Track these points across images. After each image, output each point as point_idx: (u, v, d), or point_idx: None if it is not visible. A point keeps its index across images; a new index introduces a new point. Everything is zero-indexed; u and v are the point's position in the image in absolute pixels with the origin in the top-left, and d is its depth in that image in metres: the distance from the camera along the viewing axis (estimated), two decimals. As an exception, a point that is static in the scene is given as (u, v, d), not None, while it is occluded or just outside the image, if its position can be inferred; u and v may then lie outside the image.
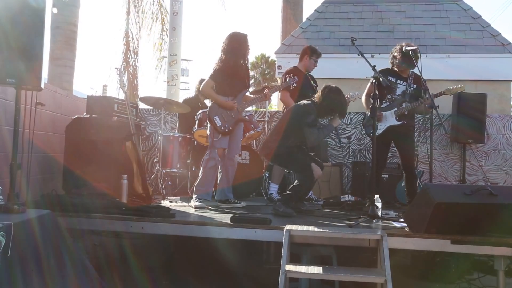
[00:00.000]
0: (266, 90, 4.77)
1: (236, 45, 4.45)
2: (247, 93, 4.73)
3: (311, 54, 5.07)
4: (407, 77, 4.57)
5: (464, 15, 7.88)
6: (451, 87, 4.53)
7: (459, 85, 4.56)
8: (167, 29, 11.75)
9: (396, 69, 4.59)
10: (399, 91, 4.55)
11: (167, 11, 11.85)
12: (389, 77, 4.50)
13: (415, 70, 4.54)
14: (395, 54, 4.54)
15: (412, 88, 4.53)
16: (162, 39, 12.25)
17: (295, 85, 4.87)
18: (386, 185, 5.20)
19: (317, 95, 4.13)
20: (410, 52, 4.29)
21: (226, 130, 4.43)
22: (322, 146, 5.80)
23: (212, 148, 4.48)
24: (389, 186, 5.19)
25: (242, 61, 4.53)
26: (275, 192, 5.06)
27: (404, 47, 4.43)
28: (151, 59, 12.35)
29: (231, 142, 4.54)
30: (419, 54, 4.34)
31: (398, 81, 4.56)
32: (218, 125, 4.40)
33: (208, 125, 4.54)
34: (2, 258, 2.30)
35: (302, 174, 4.05)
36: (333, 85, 4.15)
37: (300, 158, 4.11)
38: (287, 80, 4.88)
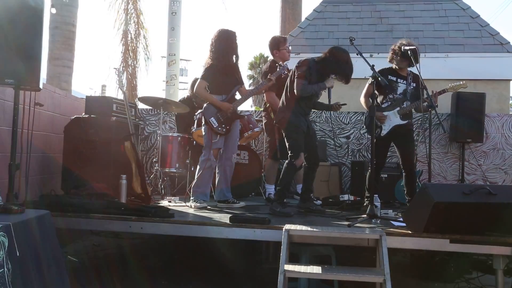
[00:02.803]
0: (269, 75, 4.62)
1: (225, 42, 4.41)
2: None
3: (279, 44, 5.02)
4: (407, 75, 4.56)
5: (463, 14, 7.89)
6: (453, 84, 4.54)
7: (461, 82, 4.57)
8: (139, 32, 11.73)
9: (395, 68, 4.57)
10: (400, 90, 4.52)
11: (141, 11, 11.86)
12: (389, 76, 4.48)
13: (413, 69, 4.54)
14: (394, 53, 4.52)
15: (412, 87, 4.52)
16: (137, 41, 12.16)
17: (286, 72, 4.70)
18: (385, 184, 5.19)
19: (325, 52, 4.11)
20: (409, 52, 4.27)
21: (224, 130, 4.41)
22: (320, 145, 5.81)
23: (208, 149, 4.44)
24: (388, 186, 5.18)
25: (231, 59, 4.49)
26: (273, 191, 5.06)
27: (403, 47, 4.41)
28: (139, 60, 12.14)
29: (228, 142, 4.52)
30: (418, 54, 4.33)
31: (399, 80, 4.53)
32: (214, 126, 4.37)
33: (203, 126, 4.50)
34: (11, 258, 2.30)
35: (290, 151, 4.05)
36: (342, 47, 4.17)
37: (298, 139, 4.08)
38: (278, 69, 4.70)
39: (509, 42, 7.28)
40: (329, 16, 8.31)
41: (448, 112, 6.04)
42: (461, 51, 7.29)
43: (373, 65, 3.96)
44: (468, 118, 5.73)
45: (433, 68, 6.46)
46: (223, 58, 4.40)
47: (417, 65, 4.22)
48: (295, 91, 4.04)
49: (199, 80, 4.46)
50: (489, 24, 7.61)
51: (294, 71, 4.13)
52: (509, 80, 7.27)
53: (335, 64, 4.01)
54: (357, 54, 3.89)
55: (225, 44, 4.41)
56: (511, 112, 9.34)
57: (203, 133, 4.55)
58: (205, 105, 4.53)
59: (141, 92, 13.11)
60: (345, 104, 4.36)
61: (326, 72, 4.08)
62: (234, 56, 4.52)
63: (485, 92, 5.97)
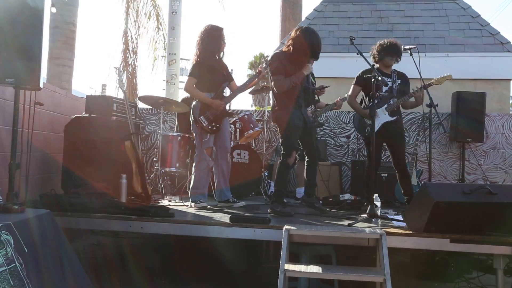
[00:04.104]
0: (259, 68, 4.50)
1: (209, 39, 4.36)
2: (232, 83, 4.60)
3: None
4: (391, 73, 4.57)
5: (463, 14, 7.89)
6: (439, 77, 4.55)
7: (446, 74, 4.57)
8: (159, 28, 11.70)
9: (377, 66, 4.58)
10: (385, 88, 4.54)
11: (160, 9, 11.84)
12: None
13: (397, 67, 4.57)
14: (375, 51, 4.54)
15: (397, 84, 4.55)
16: (158, 38, 12.18)
17: None
18: (385, 184, 5.20)
19: (288, 39, 4.07)
20: (403, 48, 4.35)
21: (214, 128, 4.36)
22: (321, 145, 5.80)
23: (201, 148, 4.39)
24: (388, 185, 5.18)
25: (217, 55, 4.44)
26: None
27: (384, 44, 4.47)
28: (146, 59, 12.24)
29: (219, 140, 4.47)
30: (407, 51, 4.36)
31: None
32: (205, 125, 4.33)
33: (193, 125, 4.46)
34: (21, 254, 2.31)
35: (283, 149, 4.05)
36: (304, 26, 4.13)
37: (291, 138, 4.06)
38: None
39: (509, 42, 7.27)
40: (330, 15, 8.31)
41: (448, 112, 6.04)
42: (461, 51, 7.30)
43: (373, 65, 3.97)
44: (468, 118, 5.74)
45: (433, 67, 6.43)
46: (207, 55, 4.36)
47: (417, 64, 4.23)
48: (274, 89, 4.02)
49: (187, 77, 4.41)
50: (489, 24, 7.61)
51: (268, 70, 4.08)
52: (510, 79, 7.27)
53: (302, 49, 3.97)
54: (358, 54, 3.89)
55: (209, 41, 4.36)
56: (511, 112, 9.34)
57: (194, 133, 4.52)
58: (194, 103, 4.47)
59: (141, 91, 13.10)
60: (328, 87, 4.36)
61: (298, 58, 4.03)
62: (220, 53, 4.47)
63: (486, 92, 5.98)
